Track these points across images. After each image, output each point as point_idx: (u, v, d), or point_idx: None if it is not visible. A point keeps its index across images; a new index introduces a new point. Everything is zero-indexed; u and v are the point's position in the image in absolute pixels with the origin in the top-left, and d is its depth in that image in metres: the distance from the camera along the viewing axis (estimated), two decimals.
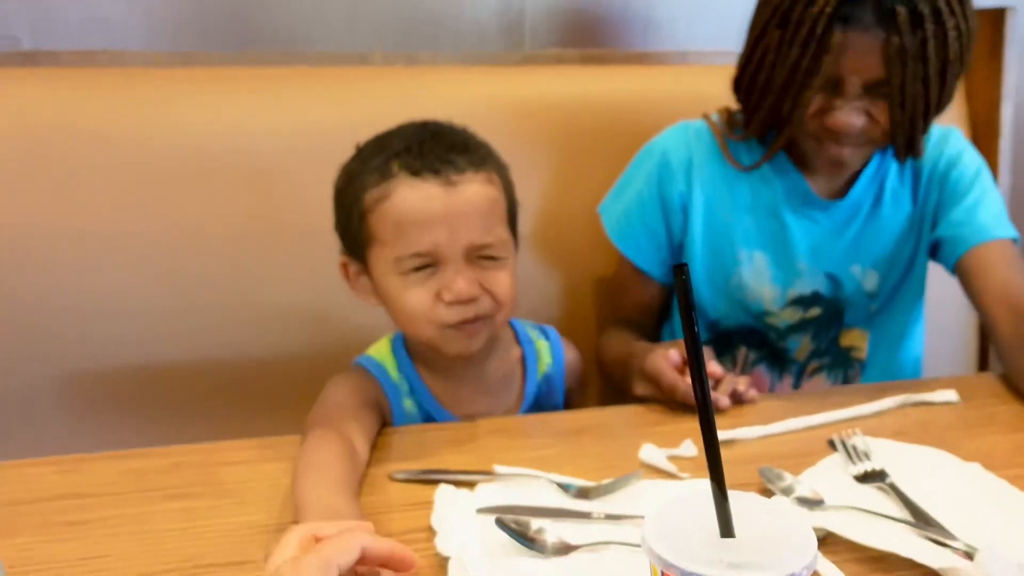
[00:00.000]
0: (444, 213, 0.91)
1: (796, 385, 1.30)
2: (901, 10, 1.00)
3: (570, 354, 1.13)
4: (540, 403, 1.08)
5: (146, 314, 1.26)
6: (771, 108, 1.12)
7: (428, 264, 0.92)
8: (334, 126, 1.28)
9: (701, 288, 1.25)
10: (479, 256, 0.94)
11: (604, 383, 1.35)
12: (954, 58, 1.04)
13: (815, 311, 1.25)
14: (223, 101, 1.30)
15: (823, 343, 1.27)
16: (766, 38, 1.09)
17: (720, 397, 0.99)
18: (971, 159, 1.22)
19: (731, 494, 0.52)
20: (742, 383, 1.01)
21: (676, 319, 1.32)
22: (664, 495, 0.79)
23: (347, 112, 1.32)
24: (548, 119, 1.41)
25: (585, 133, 1.42)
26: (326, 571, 0.55)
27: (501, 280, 0.95)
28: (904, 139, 1.10)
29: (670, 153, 1.23)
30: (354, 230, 0.95)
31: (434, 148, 0.92)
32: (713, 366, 1.00)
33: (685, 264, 0.48)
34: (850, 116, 1.06)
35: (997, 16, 1.56)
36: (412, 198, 0.91)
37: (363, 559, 0.59)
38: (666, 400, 1.00)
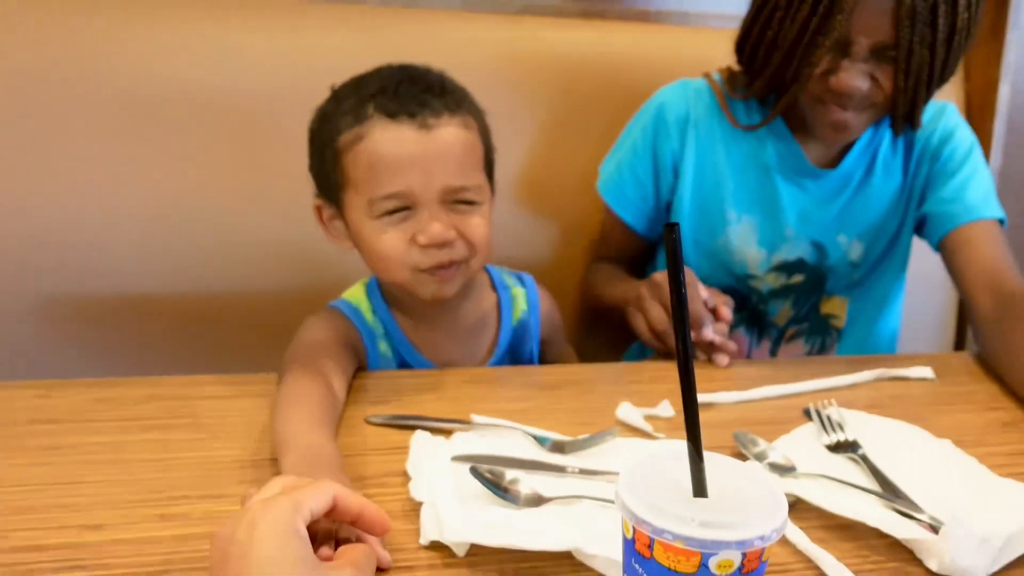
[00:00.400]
0: (419, 155, 0.90)
1: (774, 349, 1.31)
2: None
3: (546, 302, 1.13)
4: (513, 350, 1.08)
5: (126, 245, 1.26)
6: (777, 67, 1.10)
7: (402, 207, 0.92)
8: (325, 65, 1.25)
9: (687, 248, 1.25)
10: (454, 200, 0.93)
11: (585, 331, 1.36)
12: (962, 27, 1.03)
13: (798, 277, 1.25)
14: (212, 32, 1.28)
15: (803, 309, 1.28)
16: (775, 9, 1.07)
17: (722, 356, 1.01)
18: (964, 136, 1.21)
19: (706, 455, 0.52)
20: (729, 345, 1.03)
21: (660, 262, 1.32)
22: (639, 453, 0.79)
23: (339, 52, 1.30)
24: (544, 71, 1.40)
25: (580, 88, 1.41)
26: (297, 511, 0.55)
27: (476, 225, 0.94)
28: (905, 107, 1.10)
29: (667, 108, 1.22)
30: (328, 172, 0.94)
31: (410, 90, 0.91)
32: (725, 311, 1.03)
33: (677, 224, 0.48)
34: (855, 78, 1.05)
35: None
36: (387, 140, 0.90)
37: (335, 511, 0.59)
38: (640, 356, 1.02)
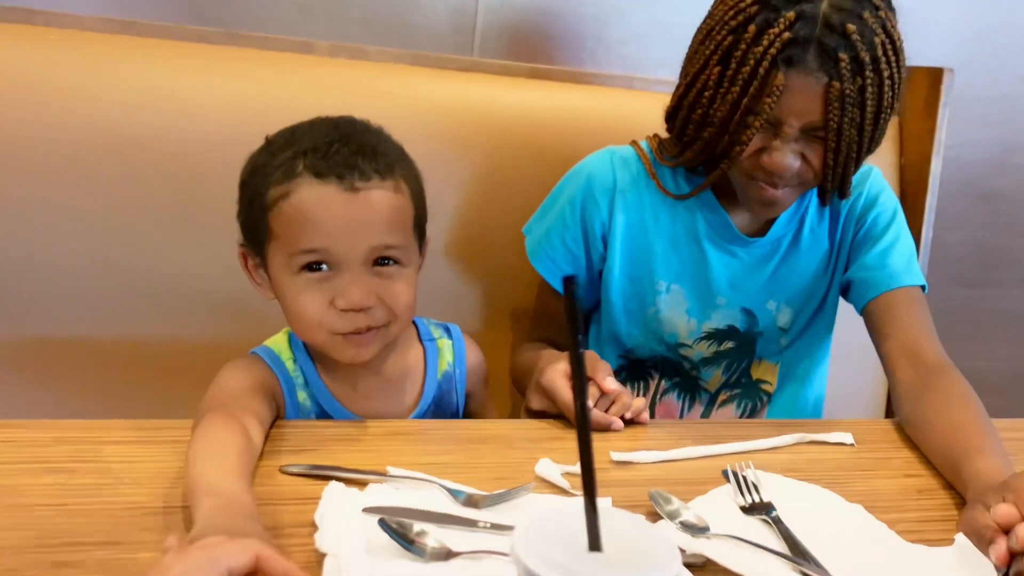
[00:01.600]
0: (343, 217, 0.89)
1: (706, 413, 1.31)
2: (844, 56, 1.01)
3: (472, 353, 1.12)
4: (438, 403, 1.08)
5: (54, 288, 1.24)
6: (707, 142, 1.12)
7: (322, 263, 0.91)
8: (271, 112, 1.24)
9: (617, 317, 1.26)
10: (379, 263, 0.93)
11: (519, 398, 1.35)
12: (887, 105, 1.06)
13: (729, 344, 1.26)
14: (157, 79, 1.28)
15: (734, 374, 1.29)
16: (706, 72, 1.09)
17: (614, 420, 0.99)
18: (888, 201, 1.24)
19: (606, 511, 0.52)
20: (636, 404, 1.02)
21: (601, 342, 1.32)
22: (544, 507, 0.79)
23: (286, 99, 1.31)
24: (487, 128, 1.41)
25: (523, 146, 1.42)
26: (212, 567, 0.53)
27: (398, 291, 0.94)
28: (835, 183, 1.12)
29: (594, 178, 1.22)
30: (255, 223, 0.94)
31: (340, 151, 0.90)
32: (609, 383, 1.00)
33: (575, 275, 0.48)
34: (786, 157, 1.07)
35: (935, 75, 1.61)
36: (311, 199, 0.89)
37: (257, 573, 0.57)
38: (560, 416, 1.01)
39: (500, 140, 1.42)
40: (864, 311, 1.20)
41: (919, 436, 1.02)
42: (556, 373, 1.01)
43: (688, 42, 1.16)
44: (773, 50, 1.01)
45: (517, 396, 1.36)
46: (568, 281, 0.48)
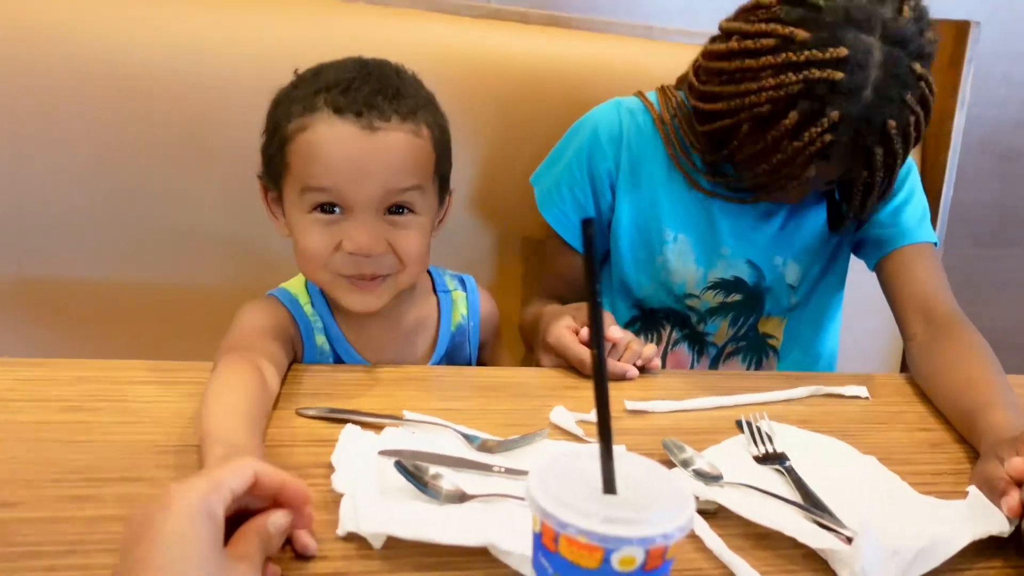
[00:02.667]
0: (357, 156, 0.88)
1: (713, 366, 1.31)
2: (878, 151, 1.00)
3: (486, 305, 1.13)
4: (451, 353, 1.08)
5: (62, 227, 1.24)
6: (739, 160, 1.09)
7: (332, 204, 0.90)
8: (282, 55, 1.24)
9: (627, 266, 1.26)
10: (392, 209, 0.92)
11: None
12: (915, 143, 1.05)
13: (735, 296, 1.26)
14: (166, 16, 1.26)
15: (742, 328, 1.29)
16: (735, 122, 1.04)
17: (629, 368, 1.00)
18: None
19: (622, 455, 0.52)
20: (647, 351, 1.03)
21: (613, 292, 1.32)
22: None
23: (298, 42, 1.29)
24: (504, 77, 1.40)
25: (540, 95, 1.41)
26: (215, 491, 0.55)
27: (410, 239, 0.93)
28: (853, 220, 1.15)
29: (601, 130, 1.21)
30: (273, 155, 0.93)
31: (362, 88, 0.89)
32: (613, 330, 1.01)
33: (592, 218, 0.48)
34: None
35: (961, 28, 1.58)
36: (328, 134, 0.88)
37: (256, 488, 0.59)
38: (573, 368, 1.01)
39: (517, 89, 1.41)
40: (877, 268, 1.20)
41: (932, 390, 1.02)
42: (562, 329, 1.02)
43: None
44: (812, 149, 0.98)
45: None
46: (586, 224, 0.47)
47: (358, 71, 0.92)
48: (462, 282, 1.11)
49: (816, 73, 0.95)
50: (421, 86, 0.97)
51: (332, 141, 0.88)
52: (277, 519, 0.59)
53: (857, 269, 1.30)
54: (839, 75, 0.95)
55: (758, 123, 1.02)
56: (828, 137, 0.97)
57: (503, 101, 1.40)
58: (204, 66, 1.26)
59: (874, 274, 1.23)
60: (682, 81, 1.23)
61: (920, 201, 1.22)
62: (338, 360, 1.02)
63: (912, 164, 1.23)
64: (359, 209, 0.90)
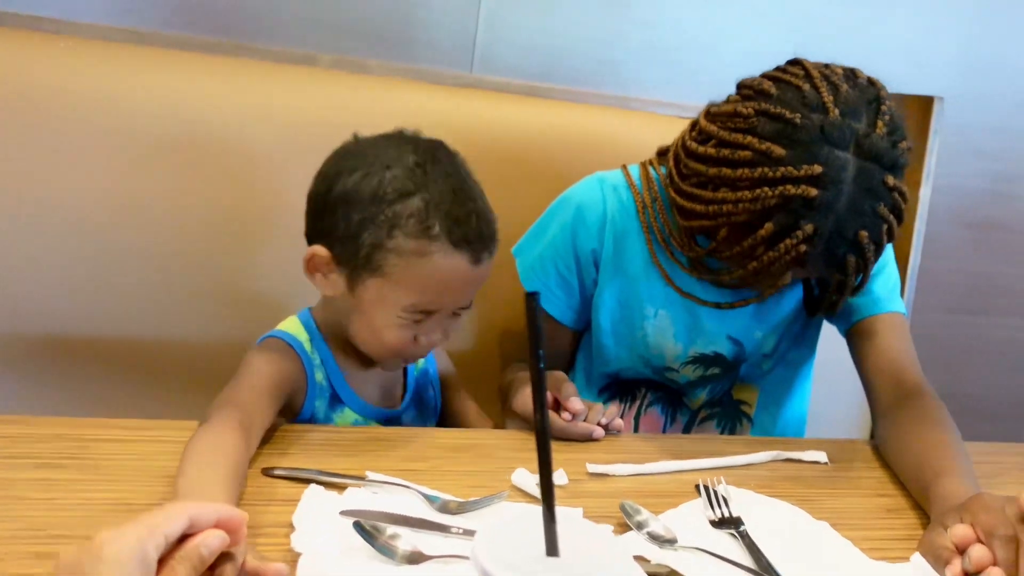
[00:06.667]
0: (463, 285, 0.99)
1: (687, 429, 1.33)
2: (851, 259, 1.03)
3: (440, 358, 1.23)
4: (419, 396, 1.16)
5: (58, 286, 1.26)
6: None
7: (423, 316, 0.99)
8: (273, 121, 1.30)
9: (606, 339, 1.27)
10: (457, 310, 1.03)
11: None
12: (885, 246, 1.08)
13: (715, 370, 1.28)
14: (165, 83, 1.30)
15: (717, 395, 1.30)
16: (718, 232, 1.07)
17: (595, 428, 1.03)
18: None
19: (569, 519, 0.54)
20: (609, 415, 1.05)
21: (591, 360, 1.34)
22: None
23: (288, 109, 1.33)
24: (484, 145, 1.41)
25: (520, 163, 1.44)
26: (148, 537, 0.55)
27: (458, 325, 1.05)
28: (827, 310, 1.19)
29: (584, 207, 1.23)
30: (361, 250, 0.97)
31: (478, 224, 0.97)
32: (573, 403, 1.03)
33: (536, 292, 0.50)
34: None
35: (926, 104, 1.63)
36: (447, 267, 0.96)
37: (193, 526, 0.58)
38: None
39: (497, 157, 1.43)
40: (848, 334, 1.22)
41: (892, 456, 1.04)
42: (527, 396, 1.04)
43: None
44: (788, 258, 1.01)
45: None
46: (529, 297, 0.50)
47: (462, 194, 0.99)
48: None
49: (791, 189, 0.98)
50: (481, 190, 1.04)
51: (449, 276, 0.97)
52: (209, 541, 0.58)
53: (828, 337, 1.32)
54: (813, 192, 0.97)
55: (735, 230, 1.04)
56: (803, 248, 1.00)
57: (482, 169, 1.42)
58: (196, 133, 1.30)
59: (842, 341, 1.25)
60: (663, 156, 1.25)
61: (892, 272, 1.25)
62: (334, 395, 1.06)
63: None
64: (443, 314, 1.01)
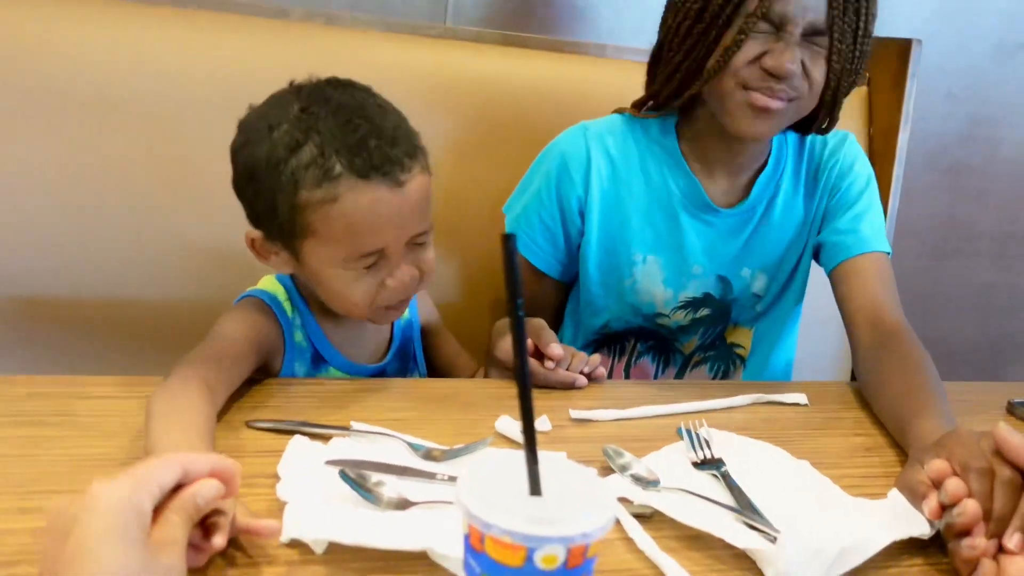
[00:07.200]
0: (394, 214, 0.92)
1: (679, 375, 1.34)
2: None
3: (423, 304, 1.20)
4: (402, 350, 1.14)
5: (29, 245, 1.25)
6: (700, 59, 1.10)
7: (376, 260, 0.95)
8: (245, 75, 1.28)
9: (595, 289, 1.28)
10: (415, 241, 0.97)
11: None
12: (870, 26, 1.08)
13: (704, 311, 1.29)
14: (133, 37, 1.29)
15: (709, 338, 1.32)
16: (682, 31, 1.10)
17: (578, 376, 1.03)
18: (862, 168, 1.26)
19: (549, 460, 0.55)
20: (592, 363, 1.06)
21: (579, 312, 1.34)
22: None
23: (260, 63, 1.32)
24: (460, 96, 1.42)
25: (496, 115, 1.43)
26: (142, 486, 0.55)
27: (428, 258, 0.99)
28: (828, 102, 1.13)
29: (568, 155, 1.23)
30: (281, 219, 0.93)
31: (379, 146, 0.90)
32: (554, 348, 1.03)
33: (513, 235, 0.50)
34: (790, 60, 1.05)
35: (904, 47, 1.63)
36: (362, 202, 0.90)
37: (186, 476, 0.59)
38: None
39: (473, 109, 1.43)
40: (832, 273, 1.23)
41: (872, 397, 1.05)
42: (508, 343, 1.04)
43: (659, 11, 1.16)
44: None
45: None
46: (507, 240, 0.50)
47: (357, 122, 0.91)
48: None
49: None
50: (393, 110, 0.97)
51: (370, 209, 0.91)
52: (204, 491, 0.59)
53: (815, 283, 1.34)
54: None
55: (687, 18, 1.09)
56: None
57: (460, 119, 1.42)
58: (167, 88, 1.29)
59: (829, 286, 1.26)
60: (639, 104, 1.26)
61: (878, 212, 1.25)
62: (316, 355, 1.05)
63: (871, 174, 1.27)
64: (394, 250, 0.95)
